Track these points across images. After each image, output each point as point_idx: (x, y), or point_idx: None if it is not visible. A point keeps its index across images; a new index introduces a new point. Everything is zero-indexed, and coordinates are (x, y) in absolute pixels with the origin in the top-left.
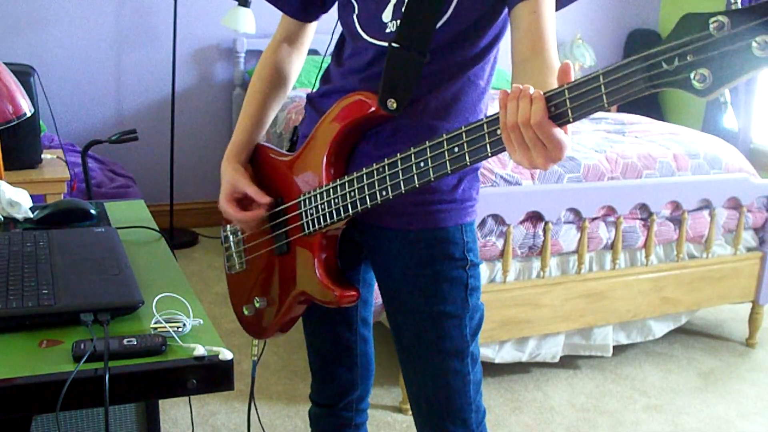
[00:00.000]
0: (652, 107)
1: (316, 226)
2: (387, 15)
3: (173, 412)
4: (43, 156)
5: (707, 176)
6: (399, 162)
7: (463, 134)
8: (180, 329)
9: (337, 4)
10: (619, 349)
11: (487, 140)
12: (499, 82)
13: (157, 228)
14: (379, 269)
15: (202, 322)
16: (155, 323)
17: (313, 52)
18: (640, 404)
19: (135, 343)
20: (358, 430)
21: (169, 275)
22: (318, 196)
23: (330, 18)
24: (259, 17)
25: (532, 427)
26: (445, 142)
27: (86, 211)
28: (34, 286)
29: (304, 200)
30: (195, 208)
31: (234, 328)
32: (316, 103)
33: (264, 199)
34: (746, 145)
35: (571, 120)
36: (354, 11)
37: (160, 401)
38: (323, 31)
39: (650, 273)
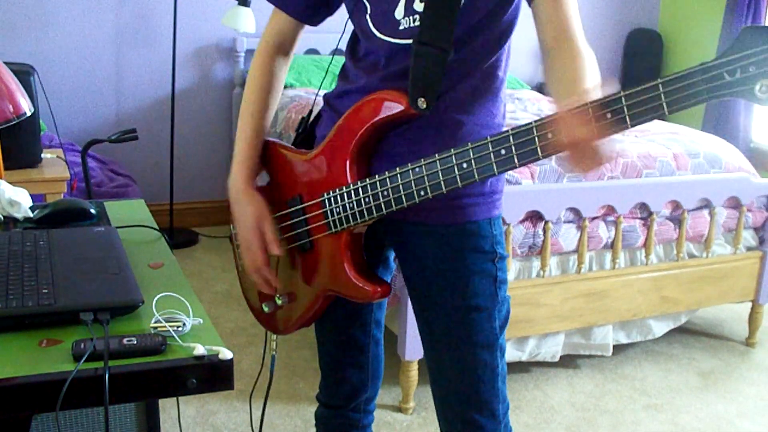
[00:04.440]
0: None
1: (344, 225)
2: (399, 12)
3: (173, 412)
4: (42, 155)
5: (707, 175)
6: (438, 163)
7: (510, 137)
8: (180, 328)
9: (345, 5)
10: (619, 348)
11: (538, 143)
12: None
13: (157, 227)
14: (408, 265)
15: (201, 321)
16: (155, 323)
17: (313, 51)
18: (640, 404)
19: (135, 342)
20: (364, 431)
21: (169, 274)
22: (345, 195)
23: (331, 17)
24: (259, 16)
25: (532, 427)
26: (490, 144)
27: (86, 211)
28: (33, 285)
29: (328, 199)
30: (195, 207)
31: (234, 328)
32: (334, 104)
33: (277, 250)
34: (746, 144)
35: (629, 126)
36: (366, 11)
37: (160, 400)
38: (323, 30)
39: (650, 272)
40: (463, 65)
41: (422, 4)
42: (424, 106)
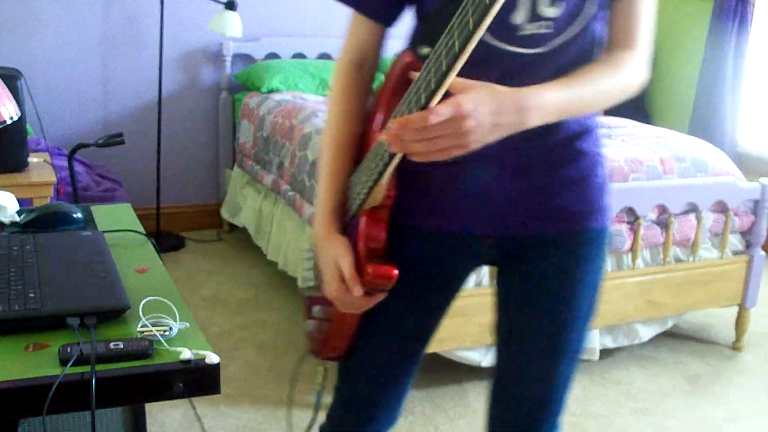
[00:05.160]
0: (638, 111)
1: (359, 200)
2: (519, 17)
3: (160, 416)
4: (29, 159)
5: (694, 180)
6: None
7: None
8: (167, 333)
9: (430, 5)
10: (606, 352)
11: None
12: None
13: (143, 231)
14: (514, 276)
15: (188, 325)
16: (142, 327)
17: (299, 55)
18: (628, 408)
19: (122, 346)
20: None
21: (155, 279)
22: (361, 169)
23: (314, 21)
24: (246, 21)
25: None
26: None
27: (73, 215)
28: (20, 289)
29: (351, 182)
30: (182, 211)
31: (221, 332)
32: None
33: (357, 290)
34: (732, 148)
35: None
36: None
37: (147, 405)
38: (310, 35)
39: (637, 276)
40: (572, 65)
41: (552, 9)
42: (426, 52)
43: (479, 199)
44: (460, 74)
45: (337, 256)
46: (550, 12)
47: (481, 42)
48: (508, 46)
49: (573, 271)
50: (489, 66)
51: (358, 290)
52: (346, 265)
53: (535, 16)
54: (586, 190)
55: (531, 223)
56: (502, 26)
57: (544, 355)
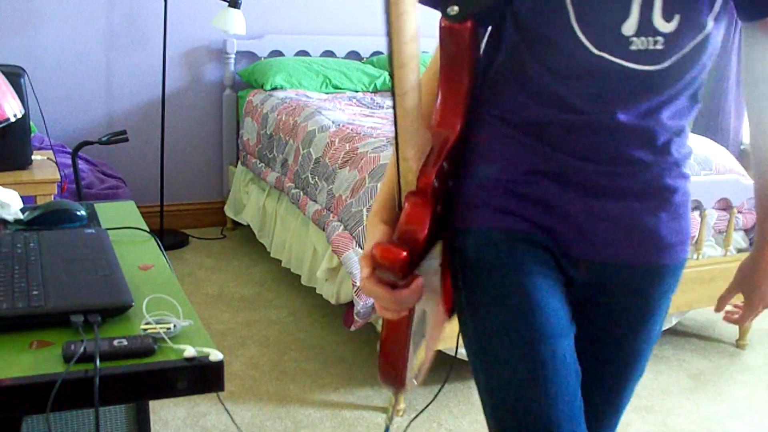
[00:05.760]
0: None
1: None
2: (629, 28)
3: (163, 413)
4: (33, 157)
5: (698, 177)
6: None
7: None
8: (170, 330)
9: (523, 6)
10: None
11: None
12: None
13: (147, 229)
14: (599, 306)
15: (192, 322)
16: (145, 324)
17: (303, 53)
18: (631, 405)
19: (125, 344)
20: None
21: (158, 276)
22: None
23: (318, 18)
24: (249, 18)
25: None
26: None
27: (76, 213)
28: (24, 287)
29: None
30: (185, 209)
31: (224, 329)
32: (529, 130)
33: (365, 271)
34: (737, 146)
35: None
36: (569, 14)
37: (151, 402)
38: (313, 32)
39: None
40: (681, 93)
41: (667, 24)
42: (455, 12)
43: (581, 222)
44: (562, 87)
45: (371, 241)
46: (665, 27)
47: (580, 46)
48: (617, 59)
49: (655, 303)
50: (602, 74)
51: (364, 267)
52: (368, 240)
53: (646, 29)
54: (680, 218)
55: (626, 251)
56: (611, 36)
57: (629, 375)
